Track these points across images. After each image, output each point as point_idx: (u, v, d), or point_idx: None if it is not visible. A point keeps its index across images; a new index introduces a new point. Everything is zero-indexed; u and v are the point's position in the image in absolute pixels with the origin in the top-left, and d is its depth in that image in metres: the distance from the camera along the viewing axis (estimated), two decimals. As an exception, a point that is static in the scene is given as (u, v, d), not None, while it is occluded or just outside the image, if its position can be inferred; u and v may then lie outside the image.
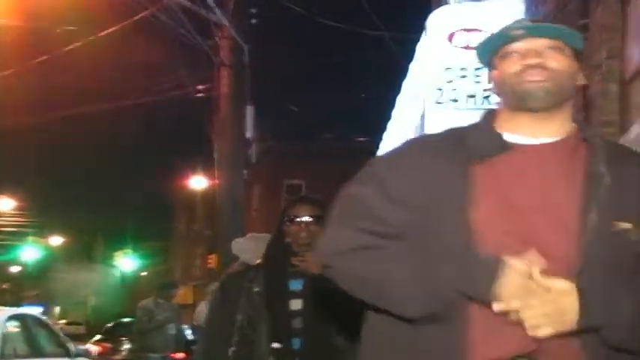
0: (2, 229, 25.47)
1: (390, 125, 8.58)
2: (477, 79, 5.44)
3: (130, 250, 29.53)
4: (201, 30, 10.42)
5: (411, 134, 6.13)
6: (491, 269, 1.67)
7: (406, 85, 7.38)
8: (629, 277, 1.70)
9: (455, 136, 1.90)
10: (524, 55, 1.82)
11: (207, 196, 17.87)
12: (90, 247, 29.96)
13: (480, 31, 5.50)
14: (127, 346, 15.50)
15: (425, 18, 6.58)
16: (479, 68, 5.14)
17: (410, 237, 1.74)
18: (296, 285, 3.54)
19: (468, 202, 1.73)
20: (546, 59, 1.81)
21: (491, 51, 1.89)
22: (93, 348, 13.31)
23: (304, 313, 3.51)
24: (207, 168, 16.89)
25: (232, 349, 3.63)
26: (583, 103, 4.70)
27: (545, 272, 1.64)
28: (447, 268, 1.69)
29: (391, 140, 8.08)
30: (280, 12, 12.14)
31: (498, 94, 1.90)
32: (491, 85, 1.95)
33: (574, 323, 1.65)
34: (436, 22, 6.36)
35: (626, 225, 1.71)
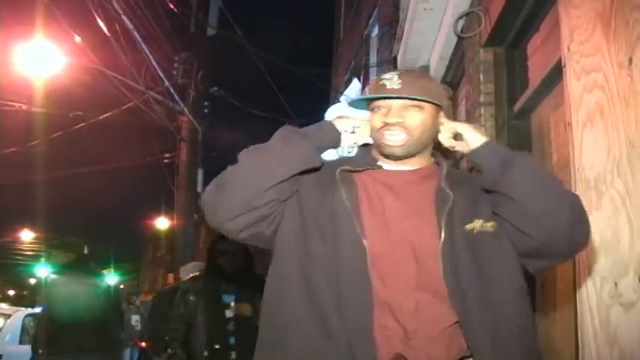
0: (24, 252, 27.79)
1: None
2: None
3: (112, 269, 31.70)
4: (169, 115, 11.43)
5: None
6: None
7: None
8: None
9: (339, 161, 1.90)
10: (387, 112, 1.73)
11: (168, 232, 19.19)
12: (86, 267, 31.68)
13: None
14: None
15: (325, 110, 6.88)
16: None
17: None
18: (228, 299, 3.76)
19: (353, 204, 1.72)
20: (406, 118, 1.71)
21: (365, 100, 1.81)
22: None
23: (236, 319, 3.73)
24: (169, 213, 17.77)
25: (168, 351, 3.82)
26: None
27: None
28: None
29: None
30: (225, 105, 13.97)
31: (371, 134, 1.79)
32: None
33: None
34: (331, 113, 6.50)
35: (472, 225, 1.69)
